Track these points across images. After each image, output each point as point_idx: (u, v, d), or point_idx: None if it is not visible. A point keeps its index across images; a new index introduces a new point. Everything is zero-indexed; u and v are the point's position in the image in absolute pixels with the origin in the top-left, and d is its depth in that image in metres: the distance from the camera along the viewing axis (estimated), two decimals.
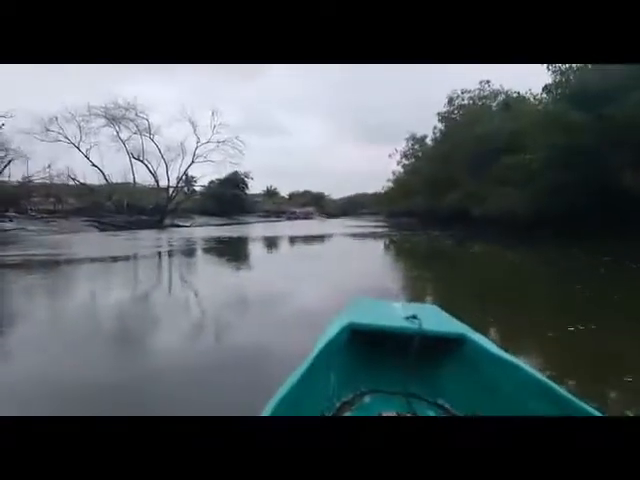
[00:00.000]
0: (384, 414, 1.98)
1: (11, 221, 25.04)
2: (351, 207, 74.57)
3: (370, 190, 64.20)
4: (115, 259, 12.05)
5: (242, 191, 53.65)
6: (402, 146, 39.88)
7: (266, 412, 1.35)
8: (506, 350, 2.01)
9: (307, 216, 62.20)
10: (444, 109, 32.71)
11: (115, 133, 36.87)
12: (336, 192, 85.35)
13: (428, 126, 36.35)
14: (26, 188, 28.04)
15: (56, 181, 31.89)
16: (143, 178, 39.90)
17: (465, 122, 27.35)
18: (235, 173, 48.49)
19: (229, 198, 49.09)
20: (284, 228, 32.60)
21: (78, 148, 35.22)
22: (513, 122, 21.47)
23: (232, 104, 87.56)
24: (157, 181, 39.04)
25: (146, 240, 19.93)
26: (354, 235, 23.72)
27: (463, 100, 31.59)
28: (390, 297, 5.14)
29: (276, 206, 65.47)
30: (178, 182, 40.37)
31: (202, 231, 27.79)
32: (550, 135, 16.08)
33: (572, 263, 9.89)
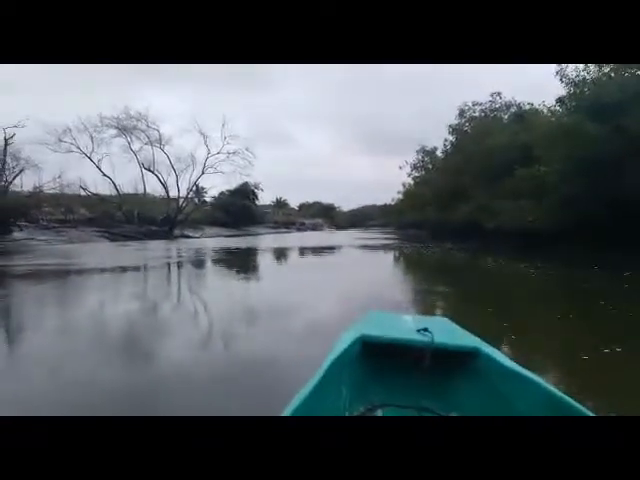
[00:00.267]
0: None
1: (22, 230, 25.18)
2: (360, 218, 74.62)
3: (379, 202, 64.29)
4: (124, 269, 11.95)
5: (252, 202, 53.85)
6: (412, 158, 39.79)
7: None
8: (520, 364, 1.95)
9: (316, 227, 62.27)
10: (455, 121, 32.62)
11: (127, 144, 37.19)
12: (345, 203, 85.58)
13: (438, 138, 36.29)
14: (37, 198, 28.19)
15: (67, 191, 32.06)
16: (154, 188, 40.21)
17: (476, 134, 27.14)
18: (245, 184, 48.69)
19: (239, 209, 49.22)
20: (294, 239, 32.50)
21: (90, 158, 35.57)
22: (526, 134, 21.22)
23: (243, 115, 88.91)
24: (167, 191, 39.29)
25: (156, 251, 19.86)
26: (365, 247, 23.50)
27: (474, 112, 31.46)
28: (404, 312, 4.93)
29: (285, 217, 65.59)
30: (188, 193, 40.55)
31: (212, 242, 27.75)
32: (565, 147, 15.81)
33: (592, 278, 9.58)
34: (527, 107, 27.00)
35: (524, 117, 24.86)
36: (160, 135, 37.92)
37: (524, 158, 19.61)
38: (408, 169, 40.00)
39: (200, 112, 44.38)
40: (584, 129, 15.21)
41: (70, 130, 34.22)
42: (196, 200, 47.37)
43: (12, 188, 27.56)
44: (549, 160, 16.95)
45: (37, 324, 5.71)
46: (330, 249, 22.05)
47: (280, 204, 73.27)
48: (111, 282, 10.05)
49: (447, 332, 2.37)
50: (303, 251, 21.33)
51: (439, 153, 37.36)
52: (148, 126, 37.39)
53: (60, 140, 33.59)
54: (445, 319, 2.84)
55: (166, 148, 38.37)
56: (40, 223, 28.53)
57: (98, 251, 19.37)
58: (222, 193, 50.30)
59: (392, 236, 36.77)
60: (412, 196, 38.65)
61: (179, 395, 3.11)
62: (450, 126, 32.98)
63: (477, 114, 31.15)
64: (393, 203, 46.18)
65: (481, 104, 30.85)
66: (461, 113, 32.13)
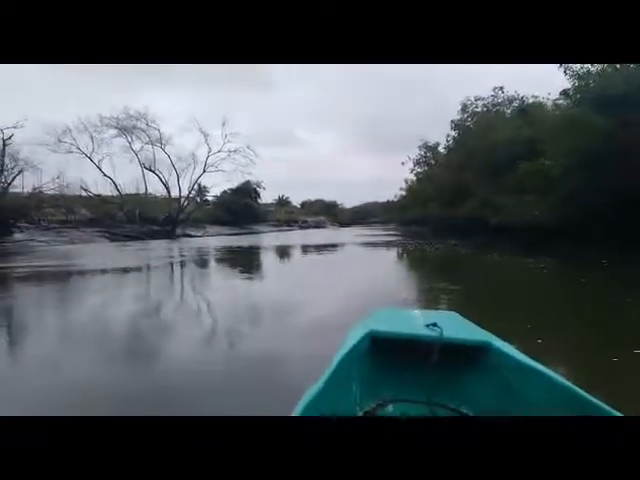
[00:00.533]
0: None
1: (22, 232, 25.04)
2: (363, 216, 74.33)
3: (381, 199, 64.04)
4: (126, 270, 11.78)
5: (254, 200, 53.67)
6: (414, 154, 39.54)
7: None
8: (532, 357, 1.93)
9: (319, 225, 61.99)
10: (457, 117, 32.36)
11: (127, 144, 37.05)
12: (348, 201, 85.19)
13: (441, 134, 36.04)
14: (36, 199, 28.01)
15: (67, 192, 31.91)
16: (155, 188, 40.02)
17: (479, 129, 26.89)
18: (247, 182, 48.49)
19: (241, 208, 49.05)
20: (296, 237, 32.30)
21: (90, 159, 35.47)
22: (529, 128, 20.96)
23: (244, 114, 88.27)
24: (169, 191, 39.15)
25: (157, 250, 19.71)
26: (368, 244, 23.27)
27: (477, 107, 31.21)
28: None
29: (288, 215, 65.35)
30: (189, 192, 40.39)
31: (214, 241, 27.60)
32: (570, 140, 15.55)
33: (603, 274, 9.36)
34: (530, 101, 26.70)
35: (527, 111, 24.59)
36: (160, 134, 37.82)
37: (528, 152, 19.36)
38: (410, 165, 39.87)
39: (200, 111, 44.76)
40: (589, 121, 14.96)
41: (70, 130, 34.20)
42: (198, 199, 47.20)
43: (12, 189, 27.37)
44: (554, 153, 16.70)
45: (35, 327, 5.58)
46: (333, 247, 21.85)
47: (282, 202, 73.02)
48: (112, 283, 9.89)
49: (456, 327, 2.36)
50: (306, 249, 21.15)
51: (441, 149, 37.20)
52: (148, 125, 37.29)
53: (60, 140, 33.55)
54: (455, 314, 2.79)
55: (167, 147, 38.31)
56: (40, 224, 28.37)
57: (99, 252, 19.23)
58: (224, 192, 50.17)
59: (395, 233, 36.49)
60: (415, 192, 38.46)
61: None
62: (452, 121, 32.79)
63: (479, 109, 30.91)
64: (395, 200, 45.99)
65: (483, 99, 30.65)
66: (463, 108, 31.91)
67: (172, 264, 14.22)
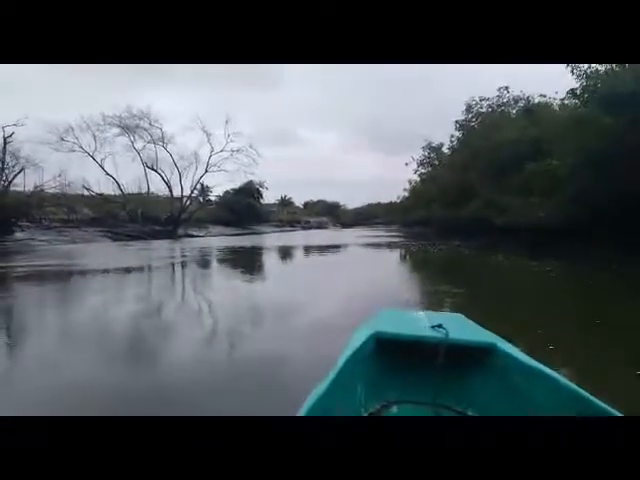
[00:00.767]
0: None
1: (23, 231, 24.91)
2: (365, 217, 74.10)
3: (384, 199, 63.82)
4: (127, 270, 11.60)
5: (257, 201, 53.49)
6: (418, 155, 39.28)
7: None
8: (538, 360, 1.92)
9: (321, 225, 61.85)
10: (462, 117, 32.12)
11: (130, 143, 36.86)
12: (350, 202, 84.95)
13: (444, 135, 35.83)
14: (38, 197, 27.85)
15: (68, 191, 31.80)
16: (157, 188, 39.82)
17: (484, 129, 26.65)
18: (250, 182, 48.27)
19: (243, 208, 48.86)
20: (299, 238, 32.11)
21: (93, 158, 35.28)
22: (536, 128, 20.71)
23: (247, 114, 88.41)
24: (171, 190, 38.89)
25: (159, 250, 19.55)
26: (371, 245, 23.08)
27: (481, 108, 30.97)
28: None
29: (290, 216, 65.22)
30: (192, 191, 40.20)
31: (216, 241, 27.42)
32: (578, 140, 15.32)
33: (612, 277, 9.14)
34: (537, 100, 26.44)
35: (533, 111, 24.34)
36: (163, 133, 37.59)
37: (534, 153, 19.14)
38: (414, 166, 39.60)
39: (203, 110, 44.50)
40: (598, 121, 14.74)
41: (72, 129, 33.99)
42: (200, 199, 47.05)
43: (13, 188, 27.21)
44: (561, 153, 16.46)
45: (33, 327, 5.45)
46: (336, 247, 21.67)
47: (285, 203, 72.89)
48: (112, 284, 9.71)
49: (462, 328, 2.35)
50: (309, 250, 20.96)
51: (445, 149, 36.92)
52: (151, 124, 37.06)
53: (62, 139, 33.38)
54: (460, 315, 2.77)
55: (169, 146, 38.02)
56: (42, 223, 28.21)
57: (100, 251, 19.07)
58: (227, 192, 49.99)
59: (398, 234, 36.27)
60: (418, 193, 38.17)
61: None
62: (457, 122, 32.55)
63: (484, 109, 30.68)
64: (398, 201, 45.69)
65: (488, 99, 30.40)
66: (468, 108, 31.66)
67: (173, 265, 14.04)
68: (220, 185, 59.19)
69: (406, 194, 42.24)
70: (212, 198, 49.90)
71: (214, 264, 14.75)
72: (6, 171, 26.93)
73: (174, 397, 3.08)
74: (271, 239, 30.47)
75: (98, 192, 36.05)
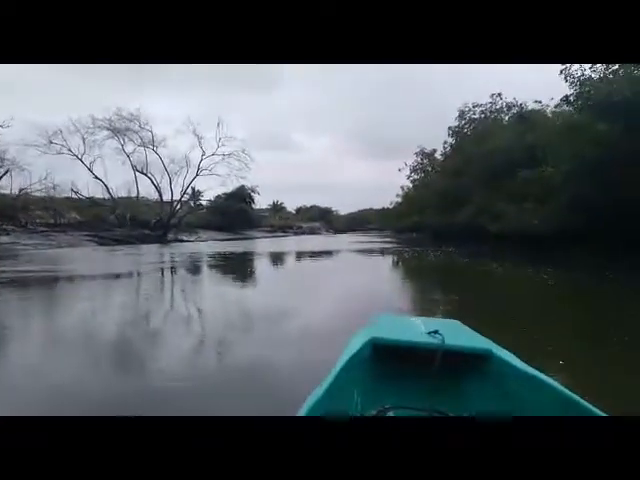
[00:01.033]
0: None
1: (8, 234, 24.32)
2: (358, 222, 73.99)
3: (377, 205, 63.73)
4: (110, 276, 11.14)
5: (248, 205, 53.08)
6: (411, 161, 39.19)
7: None
8: (534, 366, 1.92)
9: (314, 231, 61.52)
10: (455, 123, 32.07)
11: (119, 146, 36.31)
12: (343, 207, 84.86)
13: (438, 141, 35.76)
14: (23, 200, 27.27)
15: (55, 194, 31.27)
16: (147, 192, 39.31)
17: (477, 136, 26.55)
18: (241, 187, 47.82)
19: (235, 212, 48.44)
20: (290, 244, 31.69)
21: (81, 161, 34.69)
22: (529, 135, 20.58)
23: (240, 118, 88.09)
24: (160, 194, 38.32)
25: (147, 255, 19.10)
26: (364, 251, 22.75)
27: (474, 114, 30.94)
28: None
29: (283, 221, 64.90)
30: (182, 195, 39.68)
31: (206, 246, 26.96)
32: (574, 147, 15.15)
33: (612, 286, 8.86)
34: (531, 106, 26.41)
35: (526, 117, 24.27)
36: (153, 136, 37.08)
37: (527, 159, 19.01)
38: (407, 172, 39.50)
39: (195, 114, 44.03)
40: (593, 127, 14.60)
41: (61, 132, 33.43)
42: (192, 203, 46.56)
43: None
44: (555, 160, 16.29)
45: (8, 337, 5.09)
46: (328, 254, 21.32)
47: (277, 208, 72.58)
48: (94, 290, 9.26)
49: (458, 334, 2.35)
50: (300, 256, 20.59)
51: (438, 155, 36.86)
52: (141, 127, 36.53)
53: (51, 142, 32.84)
54: (456, 322, 2.74)
55: (160, 150, 37.50)
56: (27, 227, 27.59)
57: (86, 256, 18.58)
58: (218, 196, 49.49)
59: (390, 240, 36.00)
60: (411, 199, 38.02)
61: None
62: (450, 128, 32.52)
63: (477, 116, 30.66)
64: (391, 207, 45.52)
65: (481, 105, 30.42)
66: (461, 115, 31.69)
67: (161, 270, 13.60)
68: (211, 189, 58.68)
69: (399, 200, 42.10)
70: (203, 202, 49.46)
71: (201, 271, 14.31)
72: None
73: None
74: (262, 245, 30.03)
75: (87, 196, 35.55)
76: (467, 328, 2.57)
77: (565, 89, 17.75)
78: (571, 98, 17.85)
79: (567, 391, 1.68)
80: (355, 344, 2.18)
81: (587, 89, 16.50)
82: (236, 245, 27.87)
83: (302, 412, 1.45)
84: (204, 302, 7.86)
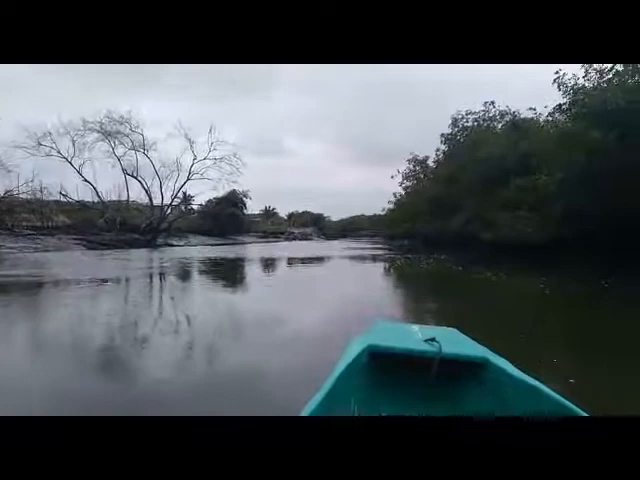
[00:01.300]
0: None
1: None
2: (350, 228, 73.80)
3: (369, 212, 63.66)
4: (93, 281, 10.79)
5: (240, 210, 52.67)
6: (403, 168, 39.11)
7: None
8: (530, 374, 1.94)
9: (306, 237, 61.22)
10: (448, 131, 32.03)
11: (110, 149, 35.84)
12: (335, 213, 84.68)
13: (430, 148, 35.77)
14: (8, 203, 26.69)
15: (42, 196, 30.71)
16: (138, 195, 38.82)
17: (470, 143, 26.49)
18: (233, 192, 47.50)
19: (226, 217, 48.02)
20: (282, 249, 31.36)
21: (71, 163, 34.17)
22: (523, 143, 20.52)
23: (233, 123, 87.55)
24: (151, 198, 37.84)
25: (135, 260, 18.72)
26: (356, 257, 22.54)
27: (467, 122, 30.93)
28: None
29: (274, 226, 64.55)
30: (172, 199, 39.26)
31: (196, 251, 26.55)
32: (568, 155, 15.07)
33: (610, 296, 8.69)
34: (524, 114, 26.42)
35: (519, 126, 24.25)
36: (144, 139, 36.67)
37: (521, 167, 18.93)
38: (400, 178, 39.40)
39: (187, 118, 43.56)
40: (587, 136, 14.53)
41: (50, 133, 32.92)
42: (183, 208, 46.12)
43: None
44: (549, 168, 16.21)
45: None
46: (319, 260, 21.06)
47: (269, 213, 72.23)
48: (74, 297, 8.92)
49: (455, 342, 2.34)
50: (291, 262, 20.30)
51: (431, 162, 36.82)
52: (132, 130, 36.11)
53: (40, 144, 32.31)
54: (453, 329, 2.73)
55: (150, 153, 37.11)
56: (13, 230, 27.00)
57: (72, 260, 18.14)
58: (209, 201, 49.04)
59: (383, 246, 35.83)
60: (404, 206, 37.87)
61: None
62: (442, 135, 32.46)
63: (470, 124, 30.66)
64: (383, 213, 45.37)
65: (474, 113, 30.41)
66: (454, 122, 31.63)
67: (147, 275, 13.27)
68: (202, 194, 57.98)
69: (391, 207, 41.97)
70: (194, 207, 48.98)
71: (188, 277, 13.99)
72: None
73: None
74: (253, 250, 29.69)
75: (76, 199, 35.03)
76: (464, 336, 2.56)
77: (558, 96, 17.81)
78: (564, 107, 17.87)
79: (563, 399, 1.68)
80: (352, 352, 2.18)
81: (581, 97, 16.50)
82: (226, 250, 27.49)
83: None
84: (188, 310, 7.56)
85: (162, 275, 13.62)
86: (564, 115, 18.28)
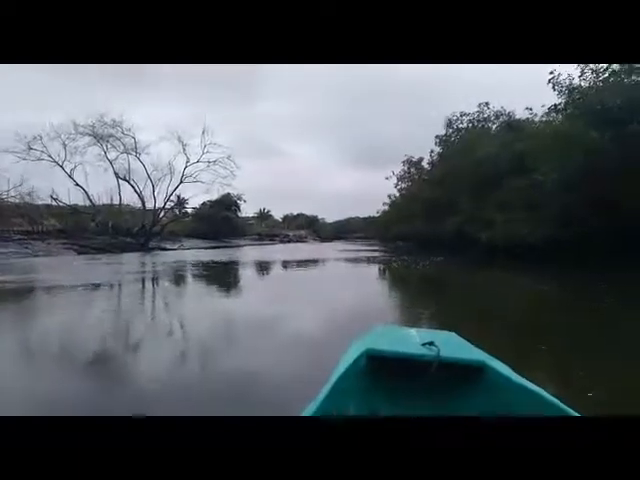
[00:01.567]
0: None
1: None
2: (345, 230, 73.61)
3: (363, 214, 63.47)
4: (78, 287, 10.46)
5: (234, 213, 52.36)
6: (398, 169, 38.93)
7: None
8: (528, 378, 1.93)
9: (300, 239, 60.91)
10: (442, 132, 31.88)
11: (102, 152, 35.41)
12: (330, 215, 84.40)
13: (424, 151, 35.57)
14: None
15: (32, 201, 30.29)
16: (131, 199, 38.42)
17: (465, 144, 26.31)
18: (227, 195, 47.16)
19: (220, 220, 47.69)
20: (277, 252, 31.08)
21: (62, 167, 33.74)
22: (518, 143, 20.35)
23: (226, 126, 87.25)
24: (143, 202, 37.46)
25: (127, 264, 18.44)
26: (351, 260, 22.29)
27: (462, 123, 30.79)
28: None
29: (269, 229, 64.24)
30: (165, 203, 38.88)
31: (190, 254, 26.24)
32: (564, 155, 14.90)
33: (609, 297, 8.48)
34: (519, 115, 26.30)
35: (514, 126, 24.10)
36: (136, 143, 36.29)
37: (516, 168, 18.74)
38: (394, 180, 39.23)
39: (180, 120, 43.27)
40: (583, 135, 14.37)
41: (41, 137, 32.50)
42: (177, 211, 45.73)
43: None
44: (545, 168, 16.03)
45: None
46: (314, 262, 20.81)
47: (264, 216, 71.92)
48: (65, 303, 8.62)
49: (454, 346, 2.33)
50: (286, 265, 20.04)
51: (426, 164, 36.66)
52: (124, 133, 35.73)
53: (30, 147, 31.91)
54: (452, 333, 2.71)
55: (143, 157, 36.80)
56: (2, 235, 26.54)
57: (62, 266, 17.79)
58: (203, 204, 48.66)
59: (378, 248, 35.61)
60: (398, 207, 37.69)
61: None
62: (437, 137, 32.30)
63: (465, 125, 30.53)
64: (378, 215, 45.17)
65: (469, 114, 30.28)
66: (448, 124, 31.48)
67: (139, 280, 12.95)
68: (196, 197, 57.49)
69: (386, 208, 41.77)
70: (188, 210, 48.59)
71: (180, 282, 13.68)
72: None
73: None
74: (248, 253, 29.38)
75: (68, 203, 34.59)
76: (463, 340, 2.55)
77: (554, 96, 17.69)
78: (560, 106, 17.73)
79: (561, 404, 1.68)
80: (350, 355, 2.19)
81: (577, 97, 16.35)
82: (220, 253, 27.19)
83: None
84: (173, 319, 7.29)
85: (152, 280, 13.32)
86: (560, 115, 18.14)
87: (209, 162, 37.74)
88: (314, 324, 6.64)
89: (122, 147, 35.90)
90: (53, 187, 33.65)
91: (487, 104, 29.42)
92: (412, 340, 2.34)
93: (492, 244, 19.12)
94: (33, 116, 48.71)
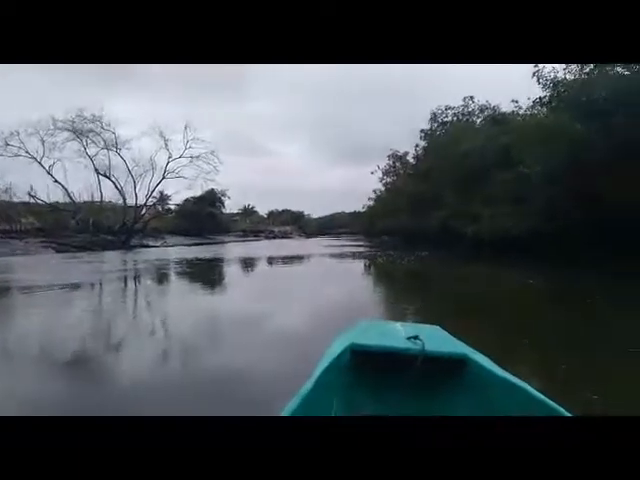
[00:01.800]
0: None
1: None
2: (330, 226, 73.55)
3: (348, 209, 63.41)
4: (58, 286, 10.09)
5: (218, 209, 51.83)
6: (383, 164, 38.85)
7: None
8: (509, 371, 1.95)
9: (286, 235, 60.60)
10: (427, 126, 31.81)
11: (82, 148, 34.55)
12: (315, 211, 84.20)
13: (409, 145, 35.46)
14: None
15: (8, 198, 29.51)
16: (111, 195, 37.61)
17: (450, 138, 26.27)
18: (211, 191, 46.57)
19: (204, 217, 47.15)
20: (262, 248, 30.77)
21: (40, 164, 32.87)
22: (503, 137, 20.34)
23: (209, 123, 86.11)
24: (124, 198, 36.68)
25: (107, 263, 18.00)
26: (336, 255, 22.14)
27: (446, 117, 30.76)
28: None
29: (254, 225, 63.81)
30: (147, 199, 38.18)
31: (173, 252, 25.80)
32: (549, 148, 14.88)
33: (599, 291, 8.43)
34: (504, 108, 26.30)
35: (499, 120, 24.12)
36: (116, 138, 35.50)
37: (502, 161, 18.73)
38: (380, 175, 39.16)
39: (162, 115, 42.42)
40: (568, 128, 14.36)
41: (18, 133, 31.60)
42: (160, 207, 45.01)
43: None
44: (530, 162, 16.02)
45: None
46: (299, 258, 20.59)
47: (248, 212, 71.38)
48: (39, 303, 8.27)
49: (438, 340, 2.33)
50: (271, 261, 19.80)
51: (410, 158, 36.62)
52: (104, 128, 34.87)
53: (7, 144, 31.04)
54: (437, 327, 2.72)
55: (124, 152, 35.90)
56: None
57: (39, 265, 17.27)
58: (187, 200, 47.97)
59: (363, 243, 35.55)
60: (384, 202, 37.63)
61: None
62: (422, 131, 32.23)
63: (449, 118, 30.51)
64: (363, 210, 45.10)
65: (453, 108, 30.25)
66: (433, 118, 31.41)
67: (119, 279, 12.59)
68: (179, 193, 56.54)
69: (371, 203, 41.71)
70: (171, 206, 47.87)
71: (162, 280, 13.35)
72: None
73: None
74: (232, 250, 29.04)
75: (48, 201, 33.78)
76: (447, 334, 2.55)
77: (536, 92, 17.67)
78: (545, 99, 17.72)
79: (544, 397, 1.69)
80: (334, 350, 2.17)
81: (562, 89, 16.34)
82: (204, 250, 26.76)
83: None
84: (158, 316, 7.02)
85: (134, 278, 12.97)
86: (544, 108, 18.15)
87: (192, 157, 37.14)
88: (298, 320, 6.50)
89: (102, 142, 35.06)
90: (31, 184, 32.87)
91: (472, 98, 29.39)
92: (397, 334, 2.32)
93: (477, 238, 19.08)
94: (8, 112, 47.40)
